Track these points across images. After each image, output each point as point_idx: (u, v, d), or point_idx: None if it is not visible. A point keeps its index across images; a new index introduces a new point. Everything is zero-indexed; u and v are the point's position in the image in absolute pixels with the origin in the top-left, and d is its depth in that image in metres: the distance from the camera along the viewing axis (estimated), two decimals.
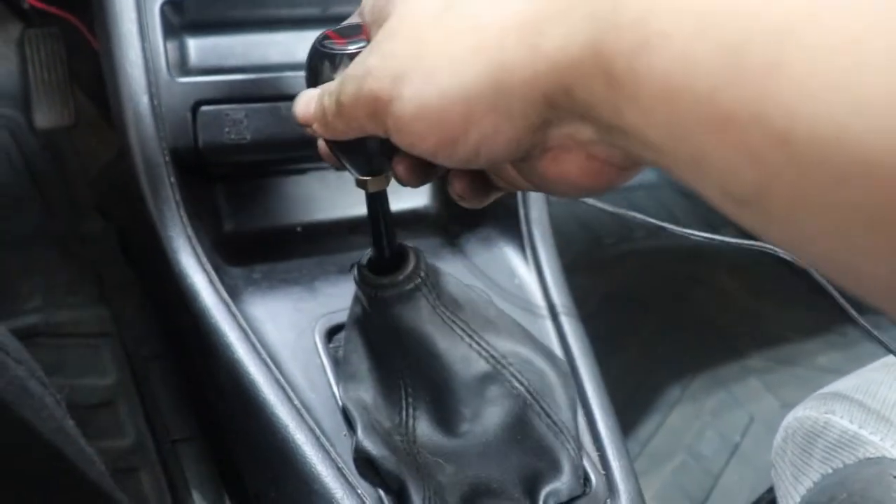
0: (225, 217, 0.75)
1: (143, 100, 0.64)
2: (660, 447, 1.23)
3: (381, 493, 0.54)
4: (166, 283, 0.67)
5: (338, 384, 0.59)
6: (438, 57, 0.32)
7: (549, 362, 0.58)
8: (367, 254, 0.53)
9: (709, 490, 1.19)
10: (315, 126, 0.43)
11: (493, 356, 0.55)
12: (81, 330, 0.99)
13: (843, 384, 0.69)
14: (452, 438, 0.55)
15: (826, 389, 0.70)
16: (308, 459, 0.55)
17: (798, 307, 1.47)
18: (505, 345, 0.56)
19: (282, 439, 0.56)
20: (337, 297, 0.67)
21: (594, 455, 0.61)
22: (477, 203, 0.46)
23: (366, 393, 0.57)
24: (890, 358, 0.67)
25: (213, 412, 0.77)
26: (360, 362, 0.57)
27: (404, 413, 0.56)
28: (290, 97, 0.68)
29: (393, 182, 0.46)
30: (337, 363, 0.61)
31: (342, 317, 0.62)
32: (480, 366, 0.54)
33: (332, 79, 0.41)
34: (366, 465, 0.55)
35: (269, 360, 0.60)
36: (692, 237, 0.69)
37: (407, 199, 0.80)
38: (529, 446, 0.55)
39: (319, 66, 0.41)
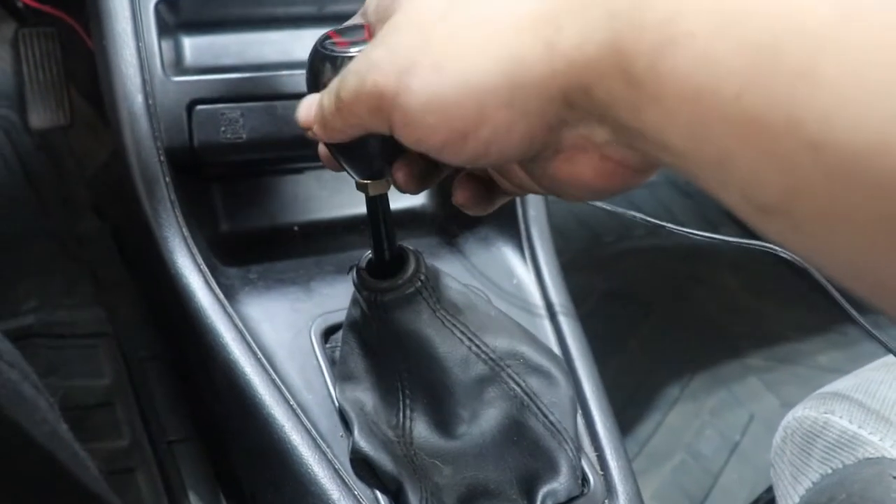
0: (221, 217, 0.74)
1: (138, 99, 0.64)
2: (659, 446, 1.23)
3: (378, 494, 0.54)
4: (162, 283, 0.67)
5: (334, 385, 0.59)
6: (449, 48, 0.31)
7: (549, 361, 0.58)
8: (365, 256, 0.53)
9: (708, 489, 1.19)
10: (315, 128, 0.41)
11: (491, 358, 0.54)
12: (77, 330, 0.99)
13: (842, 384, 0.68)
14: (450, 440, 0.54)
15: (825, 389, 0.70)
16: (304, 461, 0.54)
17: (798, 306, 1.47)
18: (504, 345, 0.55)
19: (278, 440, 0.56)
20: (334, 297, 0.67)
21: (592, 455, 0.60)
22: (481, 210, 0.45)
23: (363, 394, 0.57)
24: (889, 357, 0.67)
25: (210, 413, 0.77)
26: (358, 363, 0.57)
27: (401, 415, 0.55)
28: (287, 96, 0.68)
29: None
30: (333, 364, 0.61)
31: (339, 317, 0.62)
32: (479, 368, 0.54)
33: None
34: (362, 467, 0.54)
35: (265, 361, 0.60)
36: (692, 236, 0.68)
37: (405, 198, 0.80)
38: (527, 447, 0.54)
39: (321, 68, 0.41)
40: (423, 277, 0.51)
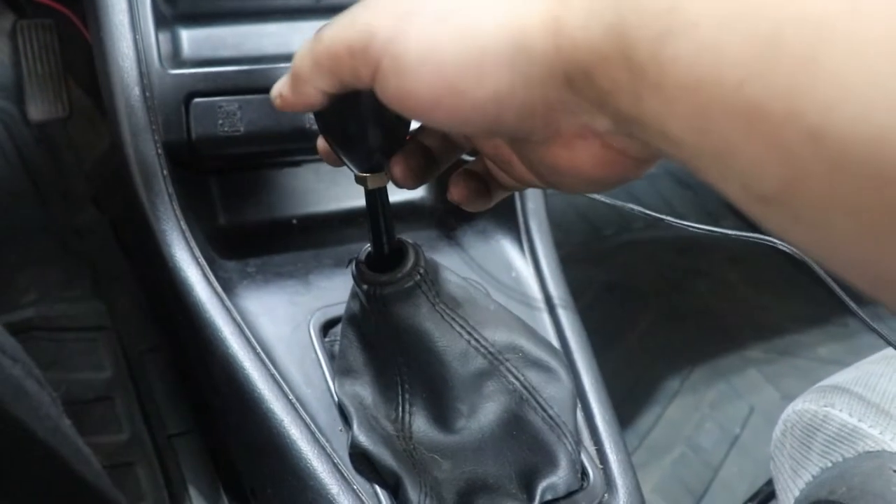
0: (219, 210, 0.74)
1: (136, 92, 0.64)
2: (659, 439, 1.23)
3: (378, 488, 0.54)
4: (160, 276, 0.67)
5: (333, 379, 0.58)
6: (454, 2, 0.30)
7: (548, 354, 0.57)
8: (364, 249, 0.53)
9: (708, 482, 1.19)
10: (284, 89, 0.38)
11: (490, 352, 0.54)
12: (77, 324, 0.99)
13: (842, 377, 0.68)
14: (449, 434, 0.54)
15: (825, 382, 0.69)
16: (304, 455, 0.54)
17: (798, 298, 1.47)
18: (503, 339, 0.55)
19: (277, 435, 0.56)
20: (332, 291, 0.66)
21: (592, 449, 0.60)
22: (479, 206, 0.44)
23: (362, 388, 0.56)
24: (889, 350, 0.67)
25: (209, 407, 0.77)
26: (357, 357, 0.57)
27: (401, 409, 0.55)
28: None
29: None
30: (332, 358, 0.61)
31: (338, 311, 0.62)
32: (478, 362, 0.54)
33: None
34: (362, 461, 0.54)
35: (263, 355, 0.60)
36: (691, 229, 0.68)
37: (403, 191, 0.80)
38: (526, 441, 0.54)
39: None
40: (422, 271, 0.51)
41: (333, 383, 0.58)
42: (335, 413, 0.58)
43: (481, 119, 0.31)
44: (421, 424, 0.55)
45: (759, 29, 0.21)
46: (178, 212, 0.64)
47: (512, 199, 0.75)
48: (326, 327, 0.63)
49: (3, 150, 1.12)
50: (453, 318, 0.53)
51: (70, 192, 1.11)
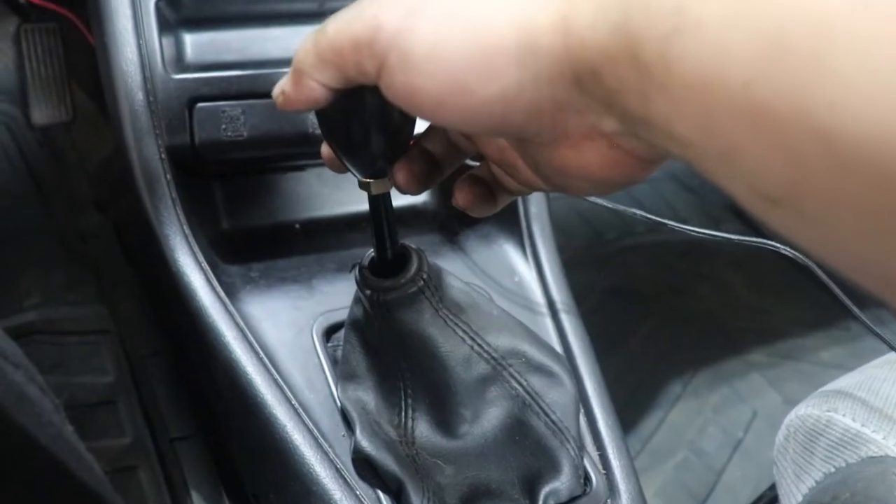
0: (222, 214, 0.74)
1: (139, 97, 0.64)
2: (661, 443, 1.23)
3: (380, 494, 0.54)
4: (163, 281, 0.67)
5: (336, 384, 0.58)
6: None
7: (551, 360, 0.57)
8: (368, 254, 0.53)
9: (711, 486, 1.19)
10: (286, 86, 0.37)
11: (493, 357, 0.54)
12: (80, 327, 0.99)
13: (845, 381, 0.68)
14: (452, 440, 0.54)
15: (828, 387, 0.69)
16: (306, 460, 0.54)
17: (800, 302, 1.47)
18: (506, 345, 0.55)
19: (280, 440, 0.56)
20: (335, 296, 0.66)
21: (594, 454, 0.60)
22: (484, 212, 0.44)
23: (365, 393, 0.56)
24: (893, 354, 0.67)
25: (211, 411, 0.77)
26: (360, 362, 0.57)
27: (403, 414, 0.55)
28: None
29: None
30: (335, 363, 0.61)
31: (341, 315, 0.62)
32: (481, 368, 0.54)
33: None
34: (364, 466, 0.54)
35: (266, 360, 0.60)
36: (693, 234, 0.68)
37: (406, 195, 0.80)
38: (529, 447, 0.54)
39: None
40: (425, 276, 0.51)
41: (336, 388, 0.58)
42: (338, 418, 0.58)
43: (488, 118, 0.31)
44: (424, 430, 0.55)
45: (764, 29, 0.21)
46: (182, 216, 0.64)
47: (515, 203, 0.75)
48: (329, 332, 0.63)
49: (6, 154, 1.12)
50: (456, 324, 0.53)
51: (73, 196, 1.12)
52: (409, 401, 0.55)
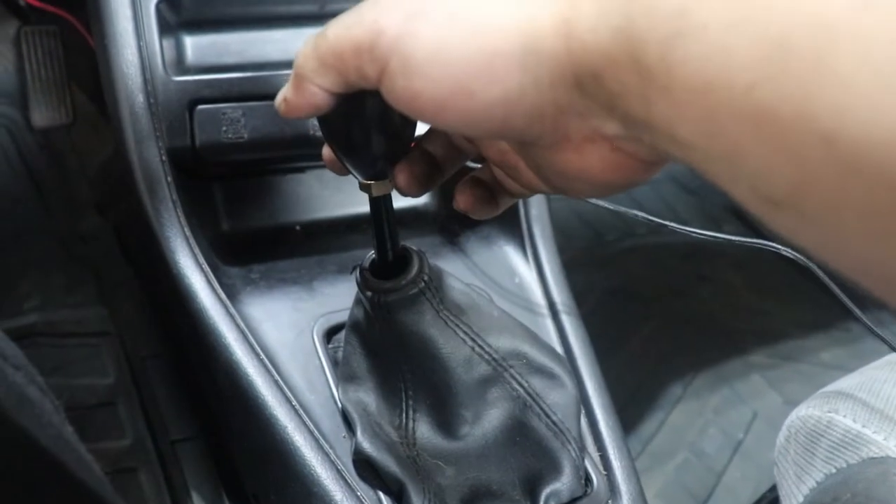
0: (223, 216, 0.74)
1: (140, 99, 0.64)
2: (662, 445, 1.23)
3: (381, 495, 0.54)
4: (163, 282, 0.67)
5: (337, 386, 0.58)
6: (464, 1, 0.30)
7: (552, 361, 0.57)
8: (369, 256, 0.53)
9: (712, 488, 1.19)
10: (287, 92, 0.37)
11: (494, 359, 0.54)
12: (81, 329, 0.99)
13: (846, 382, 0.68)
14: (453, 441, 0.54)
15: (829, 388, 0.69)
16: (307, 461, 0.54)
17: (801, 303, 1.47)
18: (507, 346, 0.55)
19: (280, 441, 0.56)
20: (336, 297, 0.66)
21: (595, 455, 0.60)
22: (486, 214, 0.44)
23: (366, 395, 0.56)
24: (893, 356, 0.67)
25: (212, 413, 0.77)
26: (360, 364, 0.57)
27: (404, 415, 0.55)
28: None
29: None
30: (336, 364, 0.61)
31: (341, 317, 0.62)
32: (482, 369, 0.54)
33: None
34: (365, 468, 0.54)
35: (267, 361, 0.60)
36: (694, 235, 0.68)
37: (407, 197, 0.80)
38: (530, 448, 0.54)
39: None
40: (426, 278, 0.51)
41: (337, 390, 0.58)
42: (339, 419, 0.58)
43: (490, 121, 0.31)
44: (424, 431, 0.55)
45: (767, 32, 0.21)
46: (182, 218, 0.64)
47: (515, 204, 0.75)
48: (330, 333, 0.63)
49: (6, 156, 1.12)
50: (457, 325, 0.53)
51: (74, 199, 1.12)
52: (410, 402, 0.55)
